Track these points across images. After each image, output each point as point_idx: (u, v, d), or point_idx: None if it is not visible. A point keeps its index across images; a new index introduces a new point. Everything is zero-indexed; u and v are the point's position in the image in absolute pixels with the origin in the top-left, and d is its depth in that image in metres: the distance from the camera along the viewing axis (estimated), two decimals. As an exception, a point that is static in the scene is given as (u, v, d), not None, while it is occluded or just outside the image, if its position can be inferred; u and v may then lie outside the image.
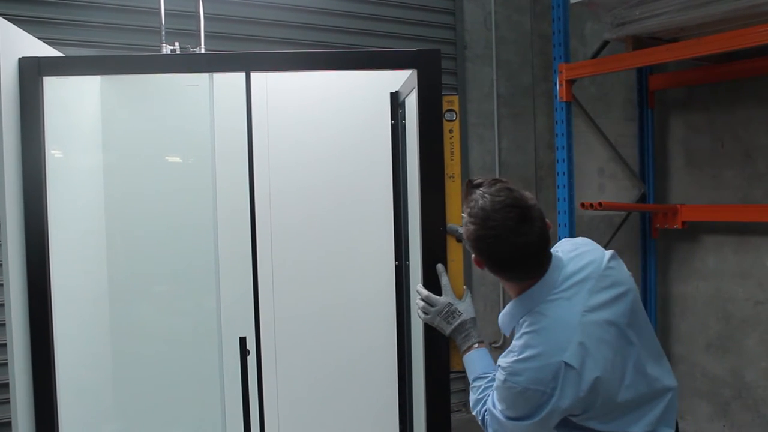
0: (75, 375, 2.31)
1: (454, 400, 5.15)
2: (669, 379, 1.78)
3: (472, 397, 1.88)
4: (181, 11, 3.29)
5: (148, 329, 2.76)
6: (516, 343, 1.70)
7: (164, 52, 2.61)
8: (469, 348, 1.94)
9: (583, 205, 4.21)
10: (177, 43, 2.62)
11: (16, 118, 1.99)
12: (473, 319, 1.97)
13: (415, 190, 2.13)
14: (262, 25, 4.35)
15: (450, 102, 2.09)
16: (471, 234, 1.70)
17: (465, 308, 1.98)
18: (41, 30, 3.16)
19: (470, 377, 1.91)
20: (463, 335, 1.95)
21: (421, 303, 2.01)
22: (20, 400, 1.96)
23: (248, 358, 2.21)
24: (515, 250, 1.66)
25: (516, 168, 5.47)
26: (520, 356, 1.66)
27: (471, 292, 2.06)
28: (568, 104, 4.16)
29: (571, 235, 4.17)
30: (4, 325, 1.96)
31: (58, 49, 2.33)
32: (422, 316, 2.02)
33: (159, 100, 2.74)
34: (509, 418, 1.71)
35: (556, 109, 4.19)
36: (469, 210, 1.71)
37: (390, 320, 2.71)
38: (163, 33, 2.77)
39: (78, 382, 2.37)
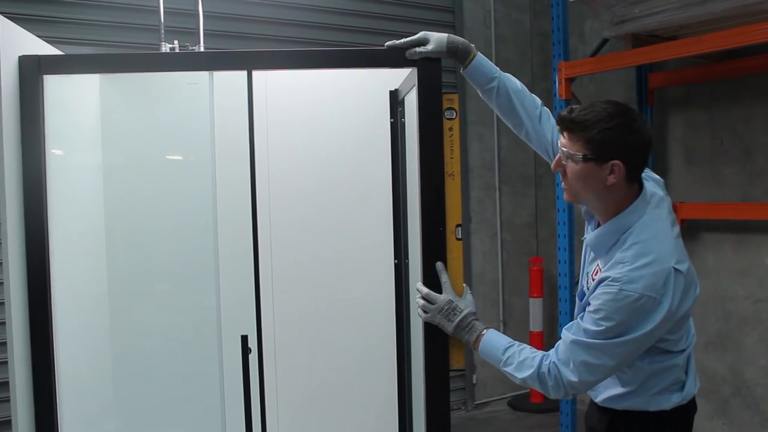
0: (75, 373, 2.31)
1: (453, 398, 5.17)
2: None
3: (511, 368, 1.84)
4: (181, 9, 3.29)
5: (149, 327, 2.76)
6: (625, 254, 1.74)
7: (164, 51, 2.61)
8: (479, 337, 1.92)
9: (582, 203, 4.20)
10: (176, 42, 2.62)
11: (16, 116, 1.98)
12: (474, 313, 1.96)
13: (415, 188, 2.13)
14: (261, 24, 4.35)
15: (450, 100, 2.10)
16: (622, 129, 1.73)
17: (465, 304, 1.96)
18: (41, 28, 3.15)
19: (497, 356, 1.87)
20: (468, 328, 1.93)
21: (421, 301, 1.99)
22: (20, 398, 1.96)
23: (249, 356, 2.21)
24: (648, 139, 1.78)
25: (516, 166, 5.47)
26: (635, 264, 1.71)
27: (471, 290, 2.05)
28: (567, 102, 4.16)
29: (572, 233, 4.18)
30: (4, 323, 1.96)
31: (58, 48, 2.33)
32: (422, 315, 2.00)
33: (159, 98, 2.74)
34: (611, 337, 1.71)
35: (556, 107, 4.18)
36: (594, 115, 1.74)
37: (389, 318, 2.71)
38: (163, 31, 2.77)
39: (78, 381, 2.37)
